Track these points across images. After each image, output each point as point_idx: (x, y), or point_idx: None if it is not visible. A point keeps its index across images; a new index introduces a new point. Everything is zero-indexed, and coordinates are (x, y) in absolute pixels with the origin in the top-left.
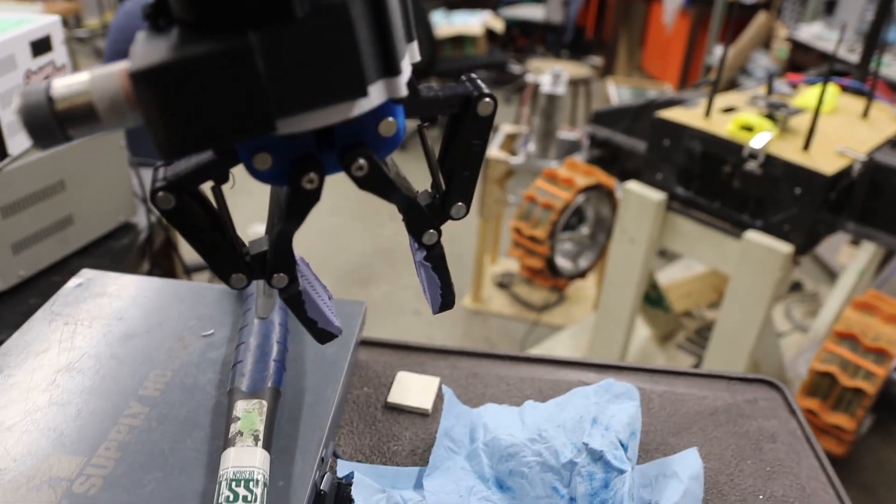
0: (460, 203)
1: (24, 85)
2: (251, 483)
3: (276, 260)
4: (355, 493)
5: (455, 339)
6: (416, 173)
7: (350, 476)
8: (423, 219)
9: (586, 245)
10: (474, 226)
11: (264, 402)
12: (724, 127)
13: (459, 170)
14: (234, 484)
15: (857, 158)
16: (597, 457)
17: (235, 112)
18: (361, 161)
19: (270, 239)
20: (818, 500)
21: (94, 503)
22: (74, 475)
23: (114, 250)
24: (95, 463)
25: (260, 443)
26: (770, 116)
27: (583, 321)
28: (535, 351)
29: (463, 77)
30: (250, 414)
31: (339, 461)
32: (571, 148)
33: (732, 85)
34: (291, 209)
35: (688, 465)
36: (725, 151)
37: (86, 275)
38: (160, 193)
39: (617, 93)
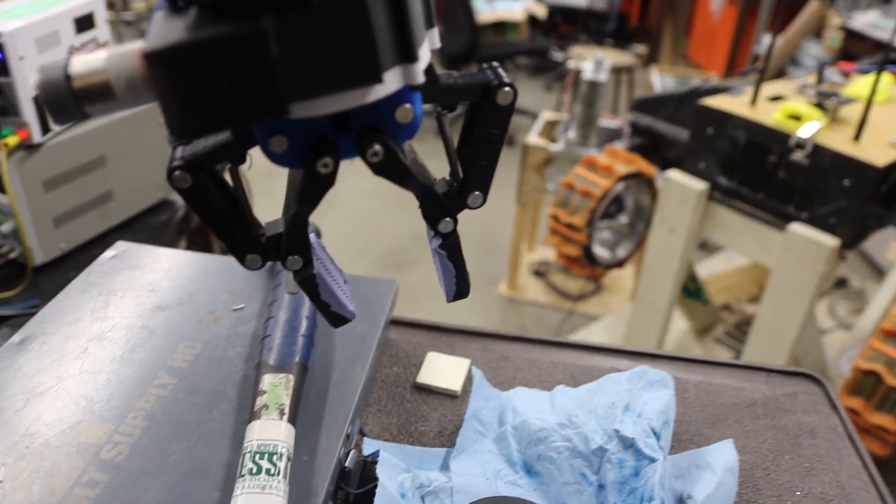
0: (477, 192)
1: None
2: (275, 456)
3: (291, 242)
4: (380, 471)
5: (490, 327)
6: (433, 160)
7: (375, 454)
8: (440, 207)
9: (625, 234)
10: (511, 213)
11: (291, 377)
12: (770, 115)
13: (477, 158)
14: (258, 456)
15: None
16: (628, 444)
17: (248, 95)
18: (377, 147)
19: (286, 221)
20: (859, 500)
21: (121, 470)
22: (102, 442)
23: (152, 226)
24: (123, 431)
25: (285, 417)
26: (819, 105)
27: (619, 312)
28: None
29: (484, 65)
30: (276, 388)
31: (365, 439)
32: (612, 136)
33: (780, 74)
34: (306, 192)
35: (722, 457)
36: (771, 141)
37: (120, 247)
38: (177, 172)
39: (661, 81)
